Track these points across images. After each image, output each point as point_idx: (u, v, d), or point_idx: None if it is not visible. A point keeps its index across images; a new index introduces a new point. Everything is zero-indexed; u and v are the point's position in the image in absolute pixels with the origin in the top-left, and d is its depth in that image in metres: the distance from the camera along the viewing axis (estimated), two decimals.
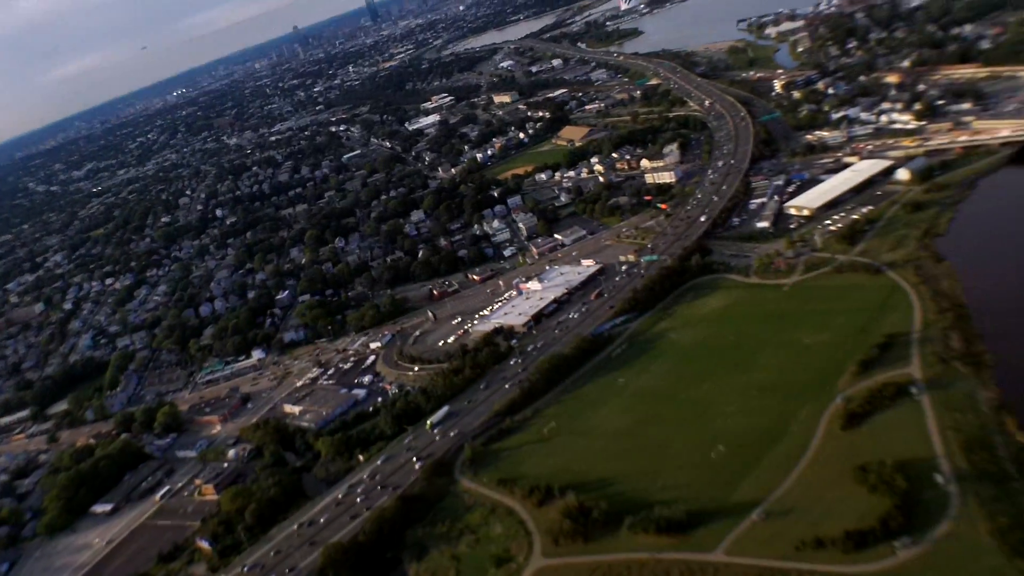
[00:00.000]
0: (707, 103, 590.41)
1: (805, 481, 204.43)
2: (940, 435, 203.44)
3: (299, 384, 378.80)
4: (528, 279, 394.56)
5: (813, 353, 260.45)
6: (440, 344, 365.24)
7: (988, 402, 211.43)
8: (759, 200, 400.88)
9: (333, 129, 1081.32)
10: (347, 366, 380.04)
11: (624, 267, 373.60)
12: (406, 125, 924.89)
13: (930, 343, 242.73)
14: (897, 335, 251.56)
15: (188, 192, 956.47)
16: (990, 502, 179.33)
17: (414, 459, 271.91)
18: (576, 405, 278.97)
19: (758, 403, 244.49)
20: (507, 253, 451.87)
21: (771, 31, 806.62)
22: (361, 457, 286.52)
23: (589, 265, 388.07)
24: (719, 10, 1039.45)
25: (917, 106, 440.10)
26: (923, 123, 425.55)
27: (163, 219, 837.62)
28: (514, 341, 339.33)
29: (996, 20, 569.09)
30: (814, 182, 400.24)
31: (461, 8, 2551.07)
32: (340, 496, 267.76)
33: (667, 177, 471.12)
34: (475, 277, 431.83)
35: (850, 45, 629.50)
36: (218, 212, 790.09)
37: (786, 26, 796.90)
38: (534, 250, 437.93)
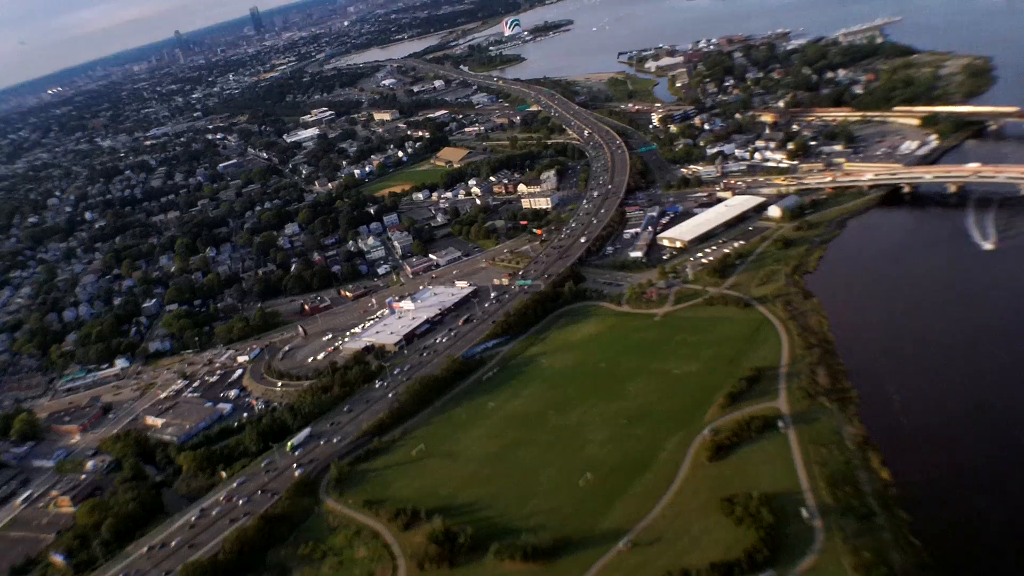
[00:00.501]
0: (586, 132, 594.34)
1: (672, 511, 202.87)
2: (806, 469, 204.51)
3: (163, 396, 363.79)
4: (401, 298, 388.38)
5: (682, 383, 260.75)
6: (310, 360, 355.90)
7: (853, 438, 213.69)
8: (633, 230, 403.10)
9: (210, 137, 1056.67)
10: (213, 379, 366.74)
11: (498, 290, 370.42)
12: (284, 137, 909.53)
13: (797, 378, 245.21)
14: (765, 368, 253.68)
15: (58, 193, 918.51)
16: (854, 537, 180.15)
17: (278, 477, 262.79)
18: (446, 427, 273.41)
19: (627, 431, 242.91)
20: (381, 271, 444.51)
21: (651, 65, 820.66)
22: (224, 473, 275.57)
23: (463, 287, 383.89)
24: (601, 42, 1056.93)
25: (790, 145, 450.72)
26: (796, 162, 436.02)
27: (30, 219, 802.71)
28: (385, 360, 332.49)
29: (868, 67, 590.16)
30: (688, 215, 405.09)
31: (346, 24, 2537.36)
32: (201, 513, 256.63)
33: (544, 203, 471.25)
34: (348, 294, 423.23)
35: (727, 83, 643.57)
36: (88, 215, 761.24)
37: (666, 61, 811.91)
38: (408, 269, 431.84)
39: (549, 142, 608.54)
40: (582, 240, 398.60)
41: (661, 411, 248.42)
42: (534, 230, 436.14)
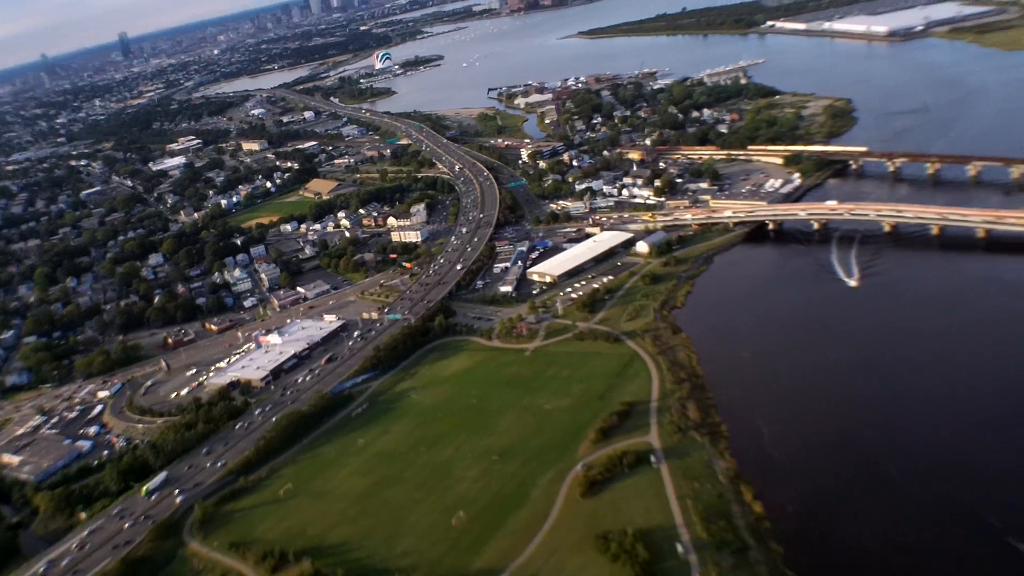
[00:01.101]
0: (457, 167, 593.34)
1: (547, 549, 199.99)
2: (679, 504, 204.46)
3: (19, 432, 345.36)
4: (268, 332, 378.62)
5: (554, 419, 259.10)
6: (173, 396, 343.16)
7: (725, 472, 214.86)
8: (503, 264, 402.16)
9: (73, 163, 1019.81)
10: (72, 415, 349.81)
11: (367, 324, 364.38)
12: (150, 165, 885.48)
13: (668, 412, 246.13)
14: (636, 403, 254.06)
15: None
16: (729, 571, 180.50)
17: (141, 518, 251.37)
18: (314, 465, 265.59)
19: (499, 468, 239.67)
20: (248, 304, 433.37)
21: (520, 101, 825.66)
22: (83, 515, 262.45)
23: (332, 320, 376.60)
24: (471, 77, 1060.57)
25: (658, 182, 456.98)
26: (663, 199, 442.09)
27: None
28: (251, 396, 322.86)
29: (733, 107, 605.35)
30: (557, 250, 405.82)
31: (215, 52, 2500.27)
32: (58, 556, 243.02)
33: (413, 236, 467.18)
34: (213, 327, 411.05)
35: (596, 121, 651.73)
36: None
37: (535, 98, 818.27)
38: (275, 302, 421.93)
39: (419, 176, 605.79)
40: (452, 274, 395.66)
41: (533, 447, 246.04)
42: (404, 264, 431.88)
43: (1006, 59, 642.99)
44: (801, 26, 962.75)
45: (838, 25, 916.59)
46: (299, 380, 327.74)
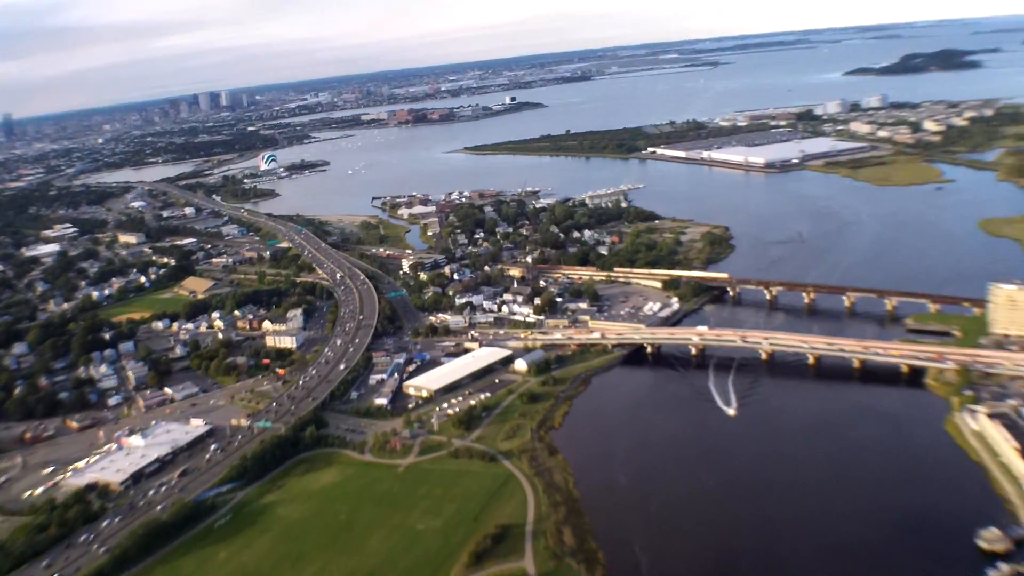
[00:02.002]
0: (338, 275, 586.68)
1: None
2: None
3: None
4: (131, 433, 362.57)
5: (425, 539, 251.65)
6: (26, 495, 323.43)
7: None
8: (379, 376, 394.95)
9: None
10: None
11: (235, 431, 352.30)
12: (23, 250, 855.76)
13: (543, 536, 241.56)
14: (511, 526, 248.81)
15: None
16: None
17: None
18: None
19: None
20: (112, 402, 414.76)
21: (404, 212, 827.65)
22: None
23: (198, 425, 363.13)
24: (356, 184, 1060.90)
25: (537, 300, 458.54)
26: (542, 317, 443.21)
27: None
28: (109, 500, 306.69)
29: (613, 229, 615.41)
30: (435, 363, 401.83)
31: (100, 141, 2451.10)
32: None
33: (288, 342, 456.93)
34: (74, 424, 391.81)
35: (478, 235, 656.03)
36: None
37: (418, 209, 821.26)
38: (141, 402, 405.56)
39: (298, 280, 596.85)
40: (326, 384, 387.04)
41: (402, 569, 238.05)
42: (277, 370, 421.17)
43: (878, 193, 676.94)
44: (681, 153, 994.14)
45: (716, 154, 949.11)
46: (161, 486, 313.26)
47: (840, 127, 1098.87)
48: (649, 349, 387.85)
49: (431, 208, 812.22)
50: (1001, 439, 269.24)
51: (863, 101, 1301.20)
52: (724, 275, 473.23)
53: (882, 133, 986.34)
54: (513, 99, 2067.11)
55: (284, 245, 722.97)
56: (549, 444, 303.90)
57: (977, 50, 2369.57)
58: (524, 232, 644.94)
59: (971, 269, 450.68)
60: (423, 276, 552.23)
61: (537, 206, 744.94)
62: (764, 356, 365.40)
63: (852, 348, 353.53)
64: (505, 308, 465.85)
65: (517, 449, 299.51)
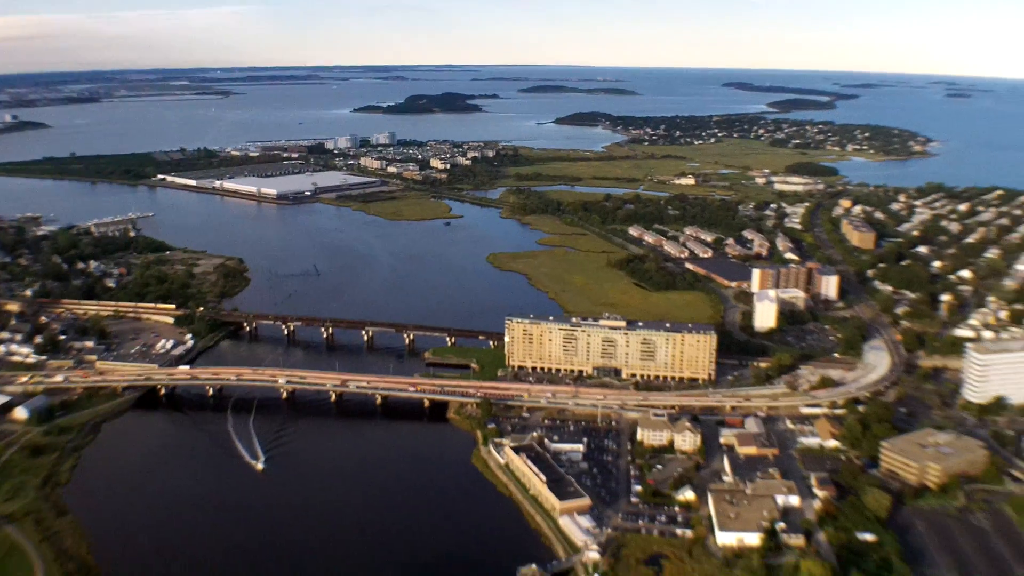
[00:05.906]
0: None
1: None
2: None
3: None
4: None
5: None
6: None
7: None
8: None
9: None
10: None
11: None
12: None
13: None
14: None
15: None
16: None
17: None
18: None
19: None
20: None
21: None
22: None
23: None
24: None
25: (38, 339, 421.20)
26: (44, 358, 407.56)
27: None
28: None
29: (121, 260, 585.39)
30: None
31: None
32: None
33: None
34: None
35: None
36: None
37: None
38: None
39: None
40: None
41: None
42: None
43: (391, 228, 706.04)
44: (193, 182, 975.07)
45: (229, 184, 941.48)
46: None
47: (351, 161, 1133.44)
48: (162, 391, 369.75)
49: None
50: (529, 472, 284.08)
51: (373, 138, 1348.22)
52: (240, 311, 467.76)
53: (391, 169, 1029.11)
54: (15, 117, 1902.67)
55: None
56: (57, 503, 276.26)
57: (477, 95, 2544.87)
58: (23, 263, 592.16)
59: (484, 302, 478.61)
60: None
61: (39, 234, 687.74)
62: (285, 395, 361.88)
63: (374, 384, 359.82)
64: (2, 348, 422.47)
65: (20, 512, 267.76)
